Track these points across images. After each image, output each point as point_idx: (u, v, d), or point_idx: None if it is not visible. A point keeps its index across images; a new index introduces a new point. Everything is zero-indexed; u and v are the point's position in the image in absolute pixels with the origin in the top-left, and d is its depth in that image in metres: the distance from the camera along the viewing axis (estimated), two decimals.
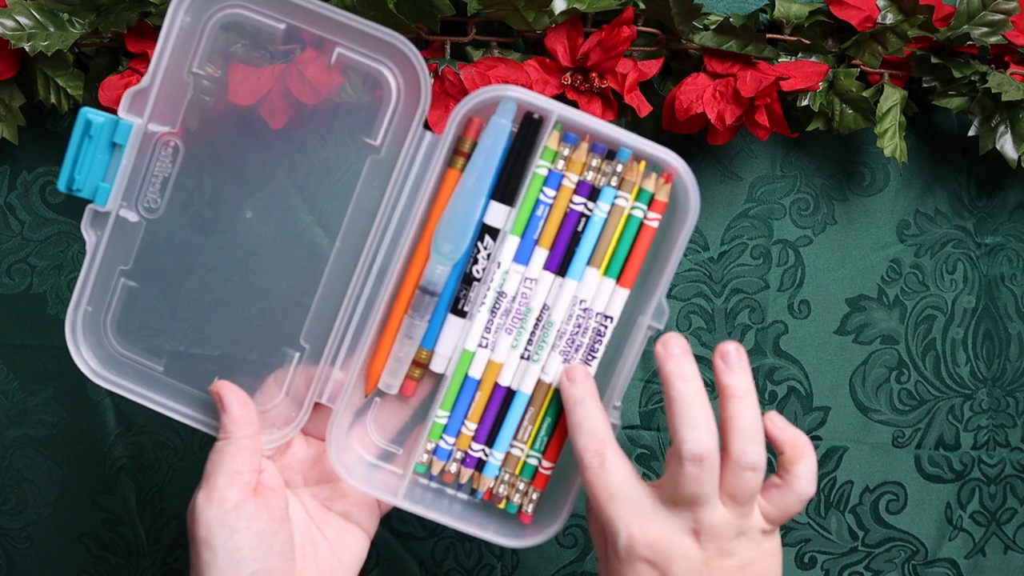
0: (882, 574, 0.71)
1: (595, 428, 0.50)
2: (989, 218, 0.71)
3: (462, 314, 0.54)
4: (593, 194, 0.53)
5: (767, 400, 0.69)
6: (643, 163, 0.53)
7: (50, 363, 0.67)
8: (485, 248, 0.54)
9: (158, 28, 0.61)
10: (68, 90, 0.62)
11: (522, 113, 0.53)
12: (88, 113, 0.52)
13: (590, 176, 0.53)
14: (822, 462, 0.70)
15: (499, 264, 0.54)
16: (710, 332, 0.68)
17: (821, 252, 0.69)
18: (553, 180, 0.53)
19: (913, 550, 0.71)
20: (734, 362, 0.50)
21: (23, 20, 0.59)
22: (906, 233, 0.70)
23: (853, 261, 0.69)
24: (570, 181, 0.53)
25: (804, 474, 0.50)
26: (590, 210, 0.53)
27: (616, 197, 0.53)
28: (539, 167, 0.53)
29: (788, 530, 0.70)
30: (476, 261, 0.54)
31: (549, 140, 0.52)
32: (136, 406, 0.55)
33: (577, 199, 0.53)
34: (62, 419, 0.67)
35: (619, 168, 0.53)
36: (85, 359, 0.54)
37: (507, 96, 0.52)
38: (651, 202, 0.53)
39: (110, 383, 0.55)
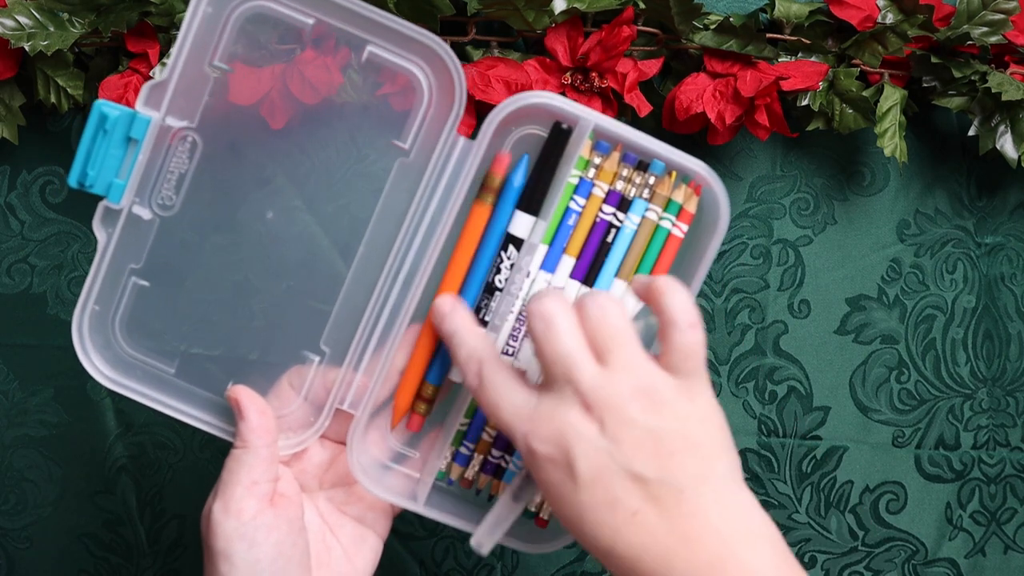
0: (882, 574, 0.71)
1: (471, 351, 0.49)
2: (989, 218, 0.71)
3: (483, 323, 0.53)
4: (622, 204, 0.53)
5: (767, 400, 0.69)
6: (674, 174, 0.52)
7: (50, 363, 0.67)
8: (508, 258, 0.53)
9: (158, 28, 0.61)
10: (68, 90, 0.62)
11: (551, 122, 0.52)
12: (103, 106, 0.49)
13: (620, 186, 0.52)
14: (822, 462, 0.70)
15: (528, 273, 0.53)
16: (710, 332, 0.68)
17: (821, 252, 0.69)
18: (583, 189, 0.53)
19: (913, 550, 0.71)
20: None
21: (23, 20, 0.59)
22: (906, 233, 0.70)
23: (853, 261, 0.69)
24: (600, 190, 0.52)
25: (675, 304, 0.46)
26: (620, 220, 0.53)
27: (647, 210, 0.53)
28: (571, 176, 0.52)
29: (788, 530, 0.70)
30: (499, 271, 0.53)
31: (582, 149, 0.52)
32: (136, 406, 0.54)
33: (606, 208, 0.53)
34: (62, 419, 0.67)
35: (651, 180, 0.52)
36: (92, 360, 0.52)
37: (540, 103, 0.50)
38: (679, 212, 0.53)
39: (118, 385, 0.53)
